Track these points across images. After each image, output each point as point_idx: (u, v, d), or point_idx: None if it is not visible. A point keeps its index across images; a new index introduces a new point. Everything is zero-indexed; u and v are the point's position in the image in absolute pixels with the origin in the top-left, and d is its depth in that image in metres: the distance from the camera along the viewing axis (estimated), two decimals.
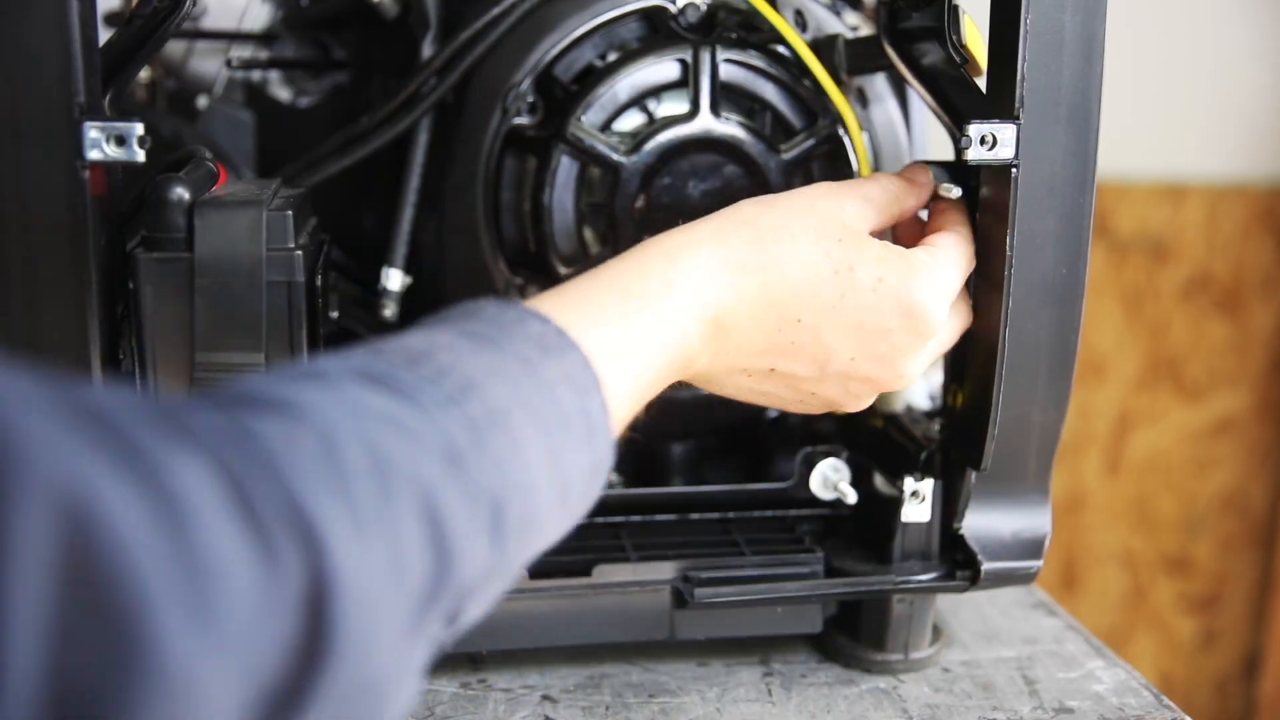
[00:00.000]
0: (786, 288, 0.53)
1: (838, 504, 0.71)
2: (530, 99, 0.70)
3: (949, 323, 0.60)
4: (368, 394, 0.38)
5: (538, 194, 0.68)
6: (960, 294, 0.61)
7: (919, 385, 0.77)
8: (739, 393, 0.57)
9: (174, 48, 0.83)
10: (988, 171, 0.62)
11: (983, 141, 0.60)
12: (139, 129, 0.55)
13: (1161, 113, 1.52)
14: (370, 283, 0.75)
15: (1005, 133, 0.60)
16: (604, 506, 0.71)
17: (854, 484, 0.70)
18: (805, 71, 0.69)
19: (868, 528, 0.70)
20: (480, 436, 0.40)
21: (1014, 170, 0.60)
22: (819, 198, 0.57)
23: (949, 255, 0.59)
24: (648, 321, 0.50)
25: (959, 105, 0.63)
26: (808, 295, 0.54)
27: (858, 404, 0.58)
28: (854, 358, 0.56)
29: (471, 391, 0.41)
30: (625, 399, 0.48)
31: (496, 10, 0.70)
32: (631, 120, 0.69)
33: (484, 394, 0.41)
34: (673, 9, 0.70)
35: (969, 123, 0.60)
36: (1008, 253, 0.61)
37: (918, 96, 0.70)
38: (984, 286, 0.63)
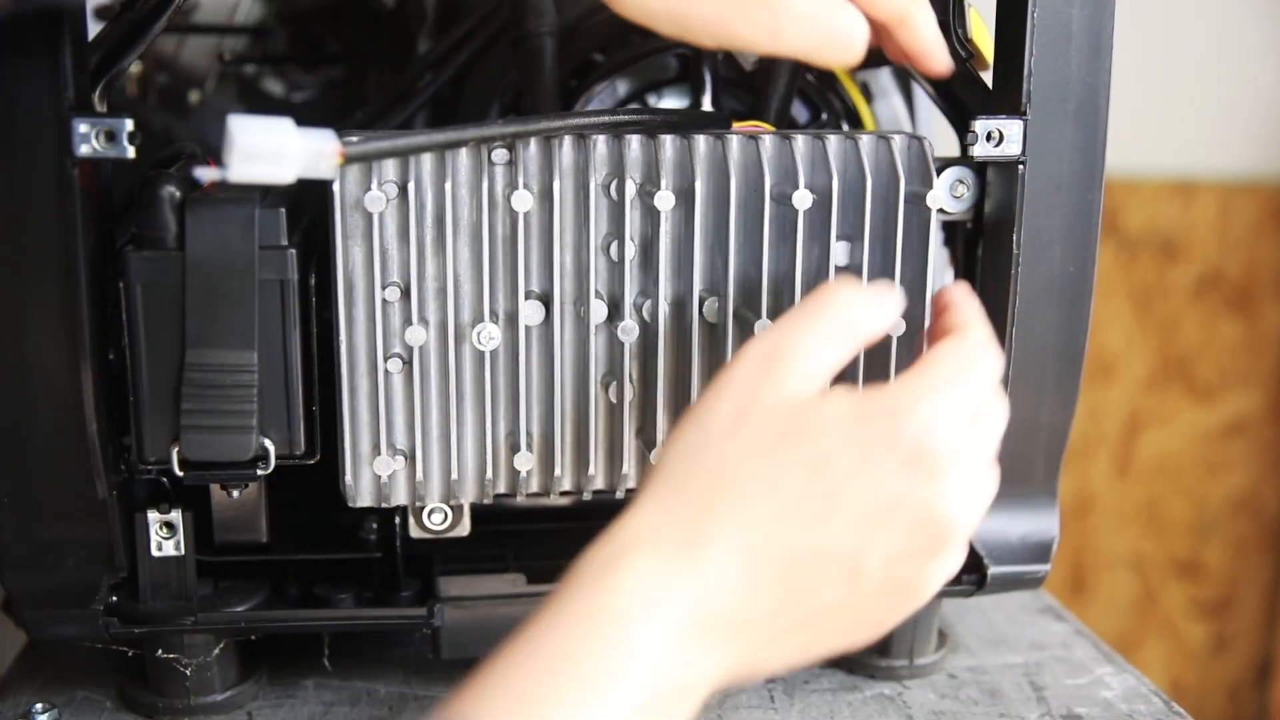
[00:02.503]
0: (762, 510, 0.44)
1: None
2: None
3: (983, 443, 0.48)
4: None
5: None
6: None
7: None
8: (786, 656, 0.46)
9: (165, 41, 0.82)
10: (994, 168, 0.61)
11: (989, 138, 0.59)
12: (129, 125, 0.54)
13: (1171, 108, 1.51)
14: None
15: (1012, 128, 0.59)
16: (605, 509, 0.70)
17: None
18: (809, 66, 0.68)
19: None
20: None
21: (1021, 167, 0.59)
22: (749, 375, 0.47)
23: (947, 367, 0.48)
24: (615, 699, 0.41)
25: (964, 100, 0.63)
26: (789, 500, 0.44)
27: (922, 593, 0.47)
28: (876, 539, 0.45)
29: None
30: None
31: (494, 3, 0.69)
32: None
33: None
34: None
35: (975, 118, 0.59)
36: (1014, 251, 0.60)
37: (922, 91, 0.69)
38: (991, 285, 0.63)
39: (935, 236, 0.58)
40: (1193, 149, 1.54)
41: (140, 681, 0.64)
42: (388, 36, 0.75)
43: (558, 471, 0.60)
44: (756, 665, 0.45)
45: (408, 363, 0.57)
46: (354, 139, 0.50)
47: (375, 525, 0.65)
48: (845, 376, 0.60)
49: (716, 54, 0.67)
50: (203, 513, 0.62)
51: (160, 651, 0.62)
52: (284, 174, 0.45)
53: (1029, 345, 0.61)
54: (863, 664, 0.70)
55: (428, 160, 0.55)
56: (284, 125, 0.46)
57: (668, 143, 0.57)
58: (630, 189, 0.56)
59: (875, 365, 0.59)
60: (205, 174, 0.48)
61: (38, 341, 0.56)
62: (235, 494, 0.61)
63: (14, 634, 0.63)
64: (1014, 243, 0.60)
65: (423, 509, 0.61)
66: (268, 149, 0.45)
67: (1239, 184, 1.54)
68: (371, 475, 0.58)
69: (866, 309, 0.49)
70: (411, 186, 0.55)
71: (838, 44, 0.51)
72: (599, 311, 0.58)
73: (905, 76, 0.75)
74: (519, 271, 0.57)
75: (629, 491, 0.62)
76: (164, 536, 0.61)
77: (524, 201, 0.55)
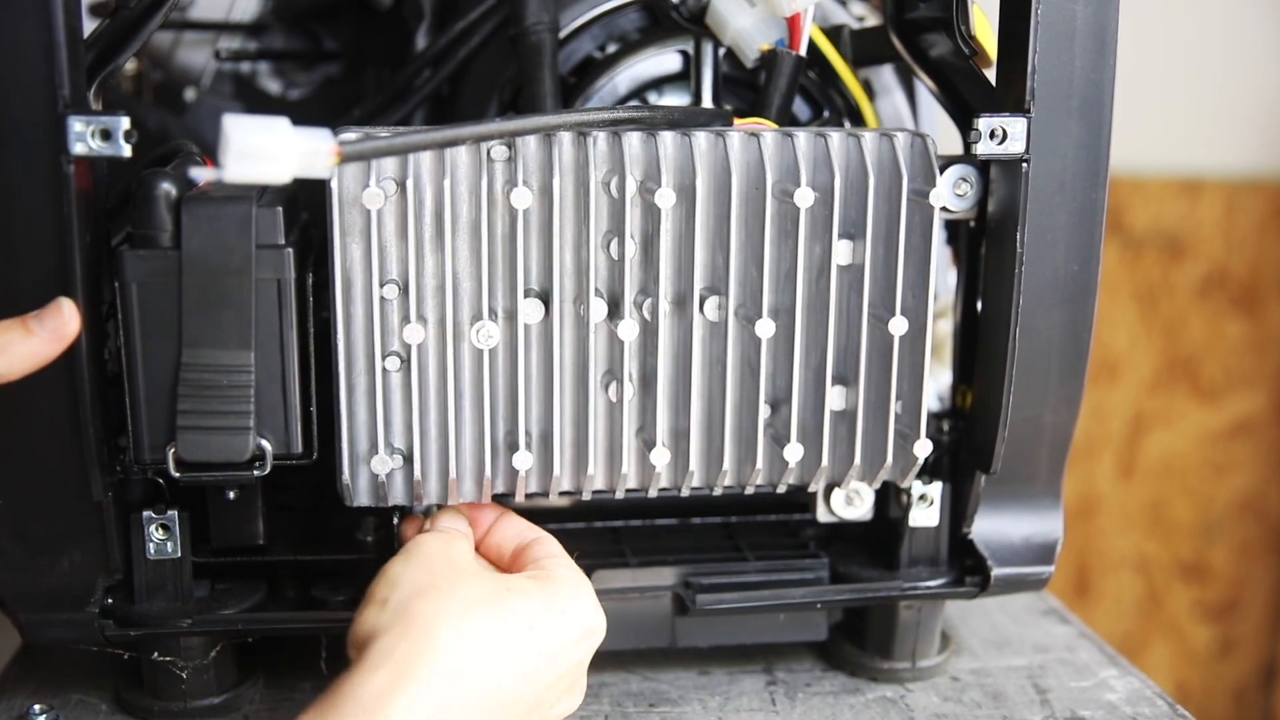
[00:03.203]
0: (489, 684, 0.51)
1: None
2: None
3: None
4: None
5: None
6: None
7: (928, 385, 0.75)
8: None
9: (161, 38, 0.82)
10: (997, 166, 0.61)
11: (992, 135, 0.59)
12: (125, 123, 0.54)
13: (1176, 105, 1.50)
14: None
15: (1015, 126, 0.59)
16: (604, 510, 0.70)
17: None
18: (810, 63, 0.68)
19: (874, 532, 0.69)
20: None
21: (1024, 165, 0.59)
22: (434, 557, 0.54)
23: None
24: None
25: (968, 98, 0.62)
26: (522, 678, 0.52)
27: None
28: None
29: None
30: None
31: (492, 0, 0.69)
32: None
33: None
34: None
35: (978, 116, 0.59)
36: (1018, 249, 0.60)
37: (925, 89, 0.69)
38: (994, 284, 0.62)
39: (938, 235, 0.58)
40: (1198, 147, 1.53)
41: (136, 684, 0.64)
42: (385, 33, 0.74)
43: (557, 471, 0.59)
44: None
45: (406, 361, 0.57)
46: (352, 136, 0.50)
47: (373, 526, 0.65)
48: (847, 380, 0.59)
49: (718, 51, 0.67)
50: (199, 514, 0.61)
51: (156, 654, 0.62)
52: (280, 173, 0.46)
53: (1032, 344, 0.61)
54: (865, 666, 0.69)
55: (427, 157, 0.55)
56: (280, 124, 0.46)
57: (668, 140, 0.56)
58: (631, 186, 0.56)
59: (879, 364, 0.59)
60: (201, 174, 0.49)
61: None
62: (232, 495, 0.61)
63: (8, 636, 0.63)
64: (1017, 241, 0.59)
65: (421, 509, 0.61)
66: (263, 148, 0.45)
67: (1245, 182, 1.54)
68: (369, 475, 0.58)
69: None
70: (410, 183, 0.55)
71: None
72: (599, 310, 0.57)
73: (908, 74, 0.74)
74: (518, 269, 0.56)
75: (629, 491, 0.61)
76: (160, 538, 0.61)
77: (523, 198, 0.55)
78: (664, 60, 0.67)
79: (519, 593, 0.54)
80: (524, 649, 0.52)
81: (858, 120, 0.69)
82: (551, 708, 0.54)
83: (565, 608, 0.54)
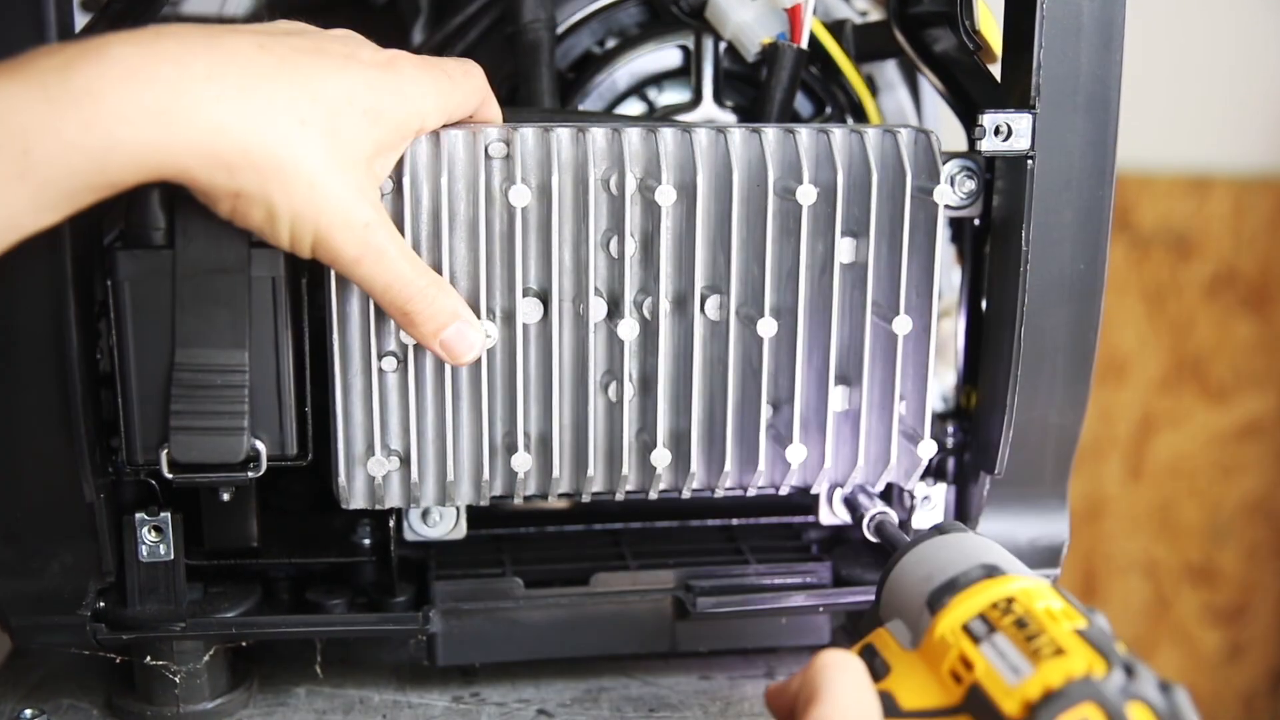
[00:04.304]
0: None
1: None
2: None
3: None
4: None
5: None
6: None
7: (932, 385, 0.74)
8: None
9: None
10: (1002, 163, 0.60)
11: (997, 132, 0.58)
12: None
13: (1185, 101, 1.49)
14: None
15: (1021, 122, 0.58)
16: (603, 512, 0.69)
17: None
18: (812, 58, 0.67)
19: None
20: None
21: (1030, 162, 0.58)
22: None
23: None
24: None
25: (972, 93, 0.62)
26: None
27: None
28: None
29: None
30: None
31: None
32: (631, 109, 0.67)
33: None
34: None
35: (983, 112, 0.59)
36: (1023, 248, 0.59)
37: (929, 84, 0.68)
38: (999, 283, 0.61)
39: (942, 232, 0.57)
40: (1207, 143, 1.53)
41: (128, 689, 0.63)
42: (381, 29, 0.73)
43: (556, 473, 0.58)
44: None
45: (402, 361, 0.56)
46: None
47: (369, 528, 0.64)
48: (850, 380, 0.59)
49: (718, 46, 0.66)
50: (192, 516, 0.61)
51: (149, 658, 0.61)
52: None
53: (1038, 344, 0.60)
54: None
55: (424, 154, 0.54)
56: None
57: (668, 136, 0.55)
58: (630, 184, 0.55)
59: (882, 363, 0.58)
60: None
61: (24, 340, 0.54)
62: (226, 496, 0.60)
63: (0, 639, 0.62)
64: (1023, 239, 0.59)
65: (418, 511, 0.60)
66: None
67: (1254, 179, 1.53)
68: (365, 477, 0.57)
69: None
70: (407, 180, 0.54)
71: None
72: (598, 309, 0.57)
73: (911, 69, 0.74)
74: (516, 268, 0.56)
75: (629, 493, 0.60)
76: (153, 540, 0.60)
77: (522, 196, 0.54)
78: (664, 55, 0.67)
79: None
80: None
81: (861, 116, 0.69)
82: None
83: None
